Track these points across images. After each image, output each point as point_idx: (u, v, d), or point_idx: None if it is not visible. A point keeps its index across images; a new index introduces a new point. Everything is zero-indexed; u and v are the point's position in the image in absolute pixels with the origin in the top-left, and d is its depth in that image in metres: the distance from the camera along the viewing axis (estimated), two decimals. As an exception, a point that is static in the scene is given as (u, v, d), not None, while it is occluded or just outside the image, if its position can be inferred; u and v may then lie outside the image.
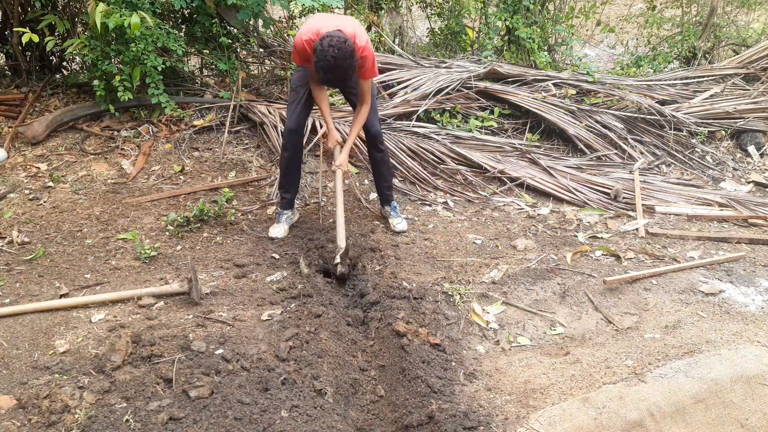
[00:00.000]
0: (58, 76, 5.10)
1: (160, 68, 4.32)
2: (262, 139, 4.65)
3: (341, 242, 3.33)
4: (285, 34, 5.37)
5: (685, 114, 5.35)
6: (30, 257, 3.29)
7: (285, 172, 3.64)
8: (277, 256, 3.44)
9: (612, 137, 5.05)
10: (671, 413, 2.30)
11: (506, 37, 6.12)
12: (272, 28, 5.32)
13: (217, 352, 2.59)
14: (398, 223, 3.84)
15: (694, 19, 7.18)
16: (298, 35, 3.25)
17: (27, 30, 3.85)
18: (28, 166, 4.18)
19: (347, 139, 3.68)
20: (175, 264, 3.31)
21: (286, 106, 4.85)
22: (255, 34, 5.16)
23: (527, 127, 5.20)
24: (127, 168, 4.29)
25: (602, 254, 3.62)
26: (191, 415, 2.26)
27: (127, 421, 2.23)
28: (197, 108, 4.79)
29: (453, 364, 2.62)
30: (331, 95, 5.03)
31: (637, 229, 3.93)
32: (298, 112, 3.54)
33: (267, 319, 2.86)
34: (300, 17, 5.56)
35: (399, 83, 5.13)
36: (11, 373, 2.43)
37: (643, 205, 4.22)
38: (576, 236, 3.85)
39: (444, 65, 5.46)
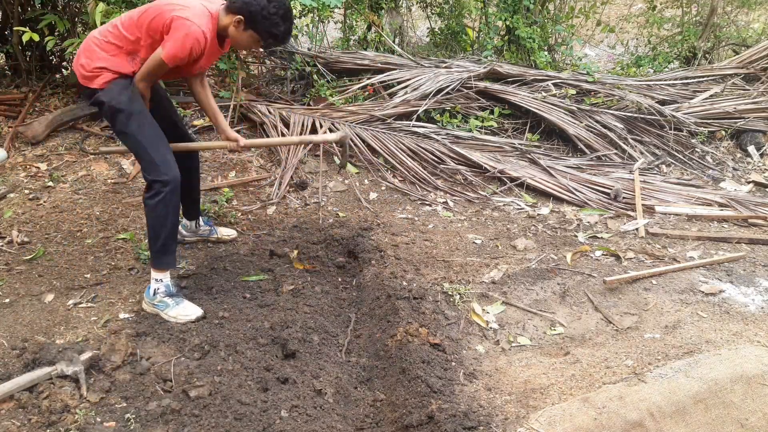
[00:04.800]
0: (58, 76, 5.10)
1: (160, 68, 4.32)
2: (262, 139, 4.65)
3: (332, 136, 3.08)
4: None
5: (685, 114, 5.35)
6: (30, 257, 3.29)
7: (173, 232, 2.82)
8: (275, 259, 3.44)
9: (612, 137, 5.05)
10: (671, 413, 2.30)
11: (506, 37, 6.12)
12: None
13: (216, 352, 2.60)
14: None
15: (694, 19, 7.19)
16: (190, 26, 2.50)
17: (27, 29, 3.85)
18: (28, 166, 4.18)
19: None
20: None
21: (285, 106, 4.86)
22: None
23: (527, 127, 5.20)
24: (127, 168, 4.29)
25: (602, 254, 3.62)
26: (191, 415, 2.26)
27: (128, 420, 2.23)
28: (197, 108, 4.78)
29: (453, 364, 2.62)
30: (331, 94, 5.04)
31: (637, 229, 3.93)
32: (169, 149, 2.77)
33: (266, 318, 2.86)
34: (300, 17, 5.57)
35: (399, 83, 5.13)
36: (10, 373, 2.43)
37: (643, 205, 4.22)
38: (576, 236, 3.85)
39: (444, 65, 5.46)
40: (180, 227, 3.30)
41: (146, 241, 3.41)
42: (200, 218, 3.49)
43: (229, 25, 2.63)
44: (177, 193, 2.73)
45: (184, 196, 3.10)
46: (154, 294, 2.82)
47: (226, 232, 3.57)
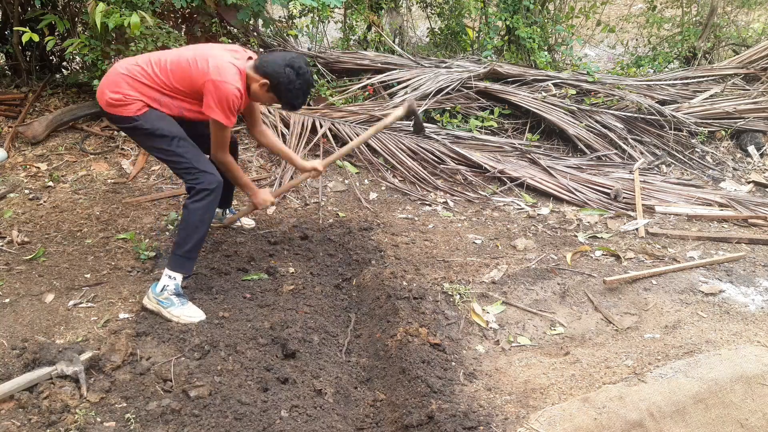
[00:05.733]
0: (58, 75, 5.10)
1: (160, 68, 4.31)
2: (262, 139, 4.65)
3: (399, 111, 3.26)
4: (285, 34, 5.37)
5: (685, 114, 5.35)
6: (30, 257, 3.29)
7: (203, 238, 2.90)
8: (275, 258, 3.44)
9: (612, 137, 5.05)
10: (671, 413, 2.30)
11: (506, 37, 6.12)
12: (272, 28, 5.32)
13: (216, 352, 2.60)
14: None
15: (694, 19, 7.18)
16: (226, 88, 2.66)
17: (27, 29, 3.85)
18: (28, 166, 4.18)
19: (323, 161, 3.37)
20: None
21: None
22: (255, 33, 5.16)
23: (527, 127, 5.20)
24: (127, 168, 4.29)
25: (602, 254, 3.62)
26: (191, 415, 2.26)
27: (128, 420, 2.23)
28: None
29: (453, 364, 2.62)
30: (331, 94, 5.04)
31: (637, 229, 3.93)
32: (206, 158, 2.91)
33: (266, 318, 2.86)
34: (300, 17, 5.57)
35: (399, 83, 5.13)
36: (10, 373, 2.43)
37: (643, 205, 4.22)
38: (576, 236, 3.85)
39: (444, 65, 5.46)
40: None
41: (146, 241, 3.43)
42: (230, 208, 3.68)
43: (254, 83, 2.78)
44: (218, 199, 2.88)
45: (224, 188, 3.30)
46: (162, 290, 2.81)
47: (246, 221, 3.73)
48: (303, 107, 3.29)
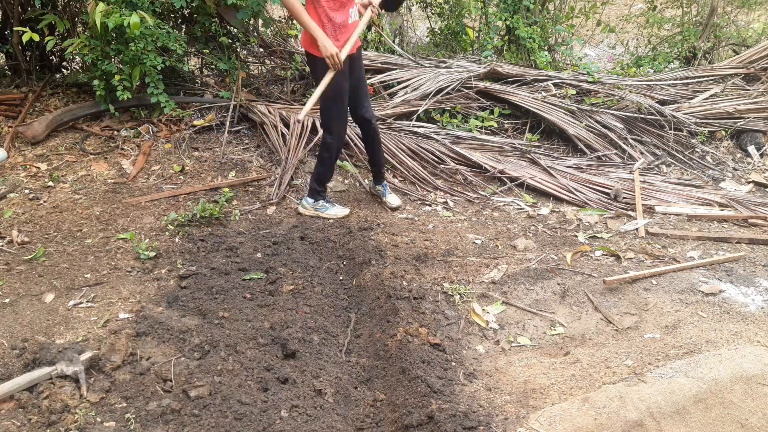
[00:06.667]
0: (58, 75, 5.11)
1: (159, 68, 4.32)
2: (262, 139, 4.65)
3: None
4: (285, 34, 5.37)
5: (685, 114, 5.34)
6: (30, 257, 3.29)
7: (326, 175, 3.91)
8: (276, 258, 3.44)
9: (612, 137, 5.05)
10: (671, 413, 2.30)
11: (506, 37, 6.12)
12: (272, 28, 5.32)
13: (216, 352, 2.60)
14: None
15: (694, 19, 7.18)
16: None
17: (27, 29, 3.85)
18: (28, 166, 4.19)
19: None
20: (175, 263, 3.31)
21: (285, 106, 4.87)
22: (255, 33, 5.16)
23: (527, 127, 5.20)
24: (127, 168, 4.29)
25: (602, 254, 3.62)
26: (191, 415, 2.26)
27: (128, 420, 2.23)
28: (197, 108, 4.79)
29: (453, 364, 2.62)
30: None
31: (637, 229, 3.93)
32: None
33: (266, 318, 2.86)
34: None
35: (399, 83, 5.13)
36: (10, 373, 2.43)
37: (643, 205, 4.22)
38: (576, 236, 3.85)
39: (444, 65, 5.46)
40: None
41: (146, 241, 3.43)
42: (382, 183, 4.26)
43: None
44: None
45: (373, 165, 4.22)
46: (315, 201, 3.87)
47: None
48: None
